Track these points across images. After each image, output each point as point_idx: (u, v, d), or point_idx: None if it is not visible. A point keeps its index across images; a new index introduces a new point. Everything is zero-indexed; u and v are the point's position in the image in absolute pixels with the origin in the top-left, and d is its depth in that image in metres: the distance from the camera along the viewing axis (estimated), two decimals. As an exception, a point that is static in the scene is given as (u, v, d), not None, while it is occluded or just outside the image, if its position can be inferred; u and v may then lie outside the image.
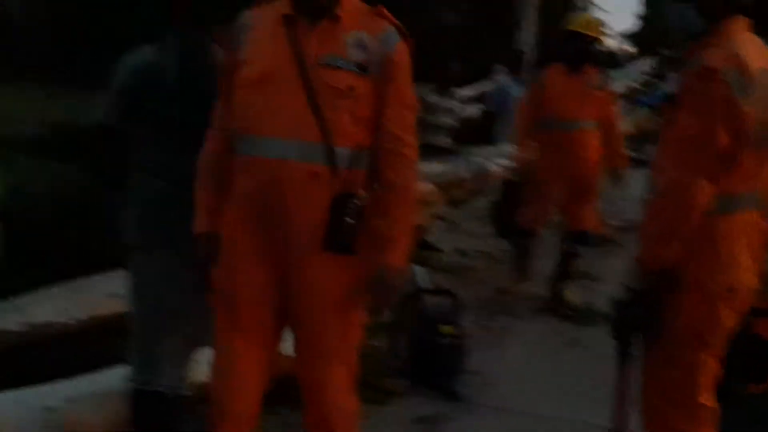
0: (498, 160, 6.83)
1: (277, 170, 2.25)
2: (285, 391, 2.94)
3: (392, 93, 2.31)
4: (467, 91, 12.59)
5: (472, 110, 10.94)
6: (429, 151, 6.34)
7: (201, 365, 2.85)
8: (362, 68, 2.27)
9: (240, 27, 2.36)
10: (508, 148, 6.74)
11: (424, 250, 6.15)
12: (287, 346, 2.48)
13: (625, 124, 7.60)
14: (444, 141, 7.14)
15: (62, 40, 8.80)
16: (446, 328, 3.97)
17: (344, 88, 2.25)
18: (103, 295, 3.67)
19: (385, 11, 2.37)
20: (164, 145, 2.62)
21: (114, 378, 2.94)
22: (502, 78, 8.89)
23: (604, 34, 5.43)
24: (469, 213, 7.06)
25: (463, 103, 11.40)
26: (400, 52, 2.32)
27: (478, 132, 7.78)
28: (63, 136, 6.29)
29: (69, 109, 6.85)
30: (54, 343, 3.41)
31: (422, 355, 3.98)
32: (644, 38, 23.62)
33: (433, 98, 6.19)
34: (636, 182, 4.16)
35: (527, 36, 14.20)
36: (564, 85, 5.15)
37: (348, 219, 2.26)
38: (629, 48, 24.67)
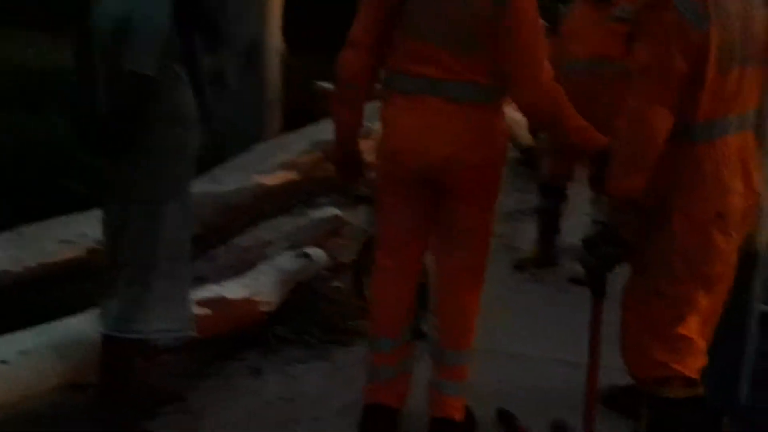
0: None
1: None
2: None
3: None
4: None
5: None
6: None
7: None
8: None
9: None
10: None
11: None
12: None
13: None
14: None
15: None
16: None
17: None
18: (56, 241, 3.54)
19: None
20: (189, 87, 2.68)
21: (70, 327, 2.86)
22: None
23: None
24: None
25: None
26: None
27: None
28: (32, 83, 6.07)
29: (38, 54, 6.59)
30: (5, 292, 3.27)
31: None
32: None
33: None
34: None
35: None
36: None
37: None
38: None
